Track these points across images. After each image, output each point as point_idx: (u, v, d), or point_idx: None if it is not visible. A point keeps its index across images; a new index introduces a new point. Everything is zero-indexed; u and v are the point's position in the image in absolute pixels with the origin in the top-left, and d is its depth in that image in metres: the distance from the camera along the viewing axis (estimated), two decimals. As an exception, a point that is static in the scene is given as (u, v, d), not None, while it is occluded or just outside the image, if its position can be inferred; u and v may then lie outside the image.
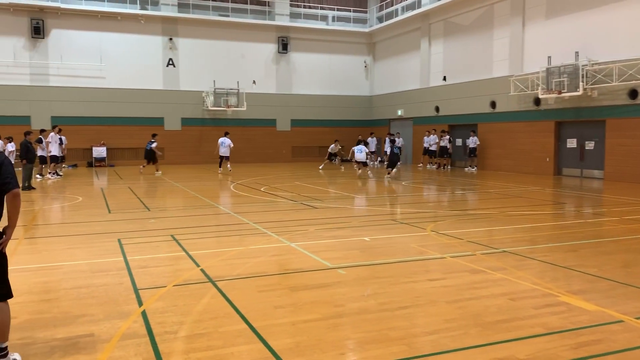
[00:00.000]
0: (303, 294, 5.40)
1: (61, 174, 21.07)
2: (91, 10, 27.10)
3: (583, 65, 18.79)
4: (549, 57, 20.31)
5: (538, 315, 4.72)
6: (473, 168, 24.49)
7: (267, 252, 7.42)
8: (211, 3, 30.03)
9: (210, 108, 29.24)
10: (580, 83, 18.78)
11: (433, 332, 4.36)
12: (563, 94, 19.52)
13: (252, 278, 6.03)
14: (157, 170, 21.84)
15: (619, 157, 18.41)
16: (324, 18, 32.90)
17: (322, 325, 4.53)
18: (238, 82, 29.59)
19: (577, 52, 19.22)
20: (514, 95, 22.19)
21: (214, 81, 29.16)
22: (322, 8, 32.82)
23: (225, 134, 23.49)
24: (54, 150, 19.62)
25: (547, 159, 21.33)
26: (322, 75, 32.54)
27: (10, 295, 3.85)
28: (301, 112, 31.87)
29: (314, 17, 32.67)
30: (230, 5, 30.42)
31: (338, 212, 11.28)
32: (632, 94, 17.87)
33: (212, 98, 29.16)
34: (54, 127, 20.98)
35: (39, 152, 18.94)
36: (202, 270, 6.32)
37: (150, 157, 22.06)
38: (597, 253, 7.38)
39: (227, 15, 30.18)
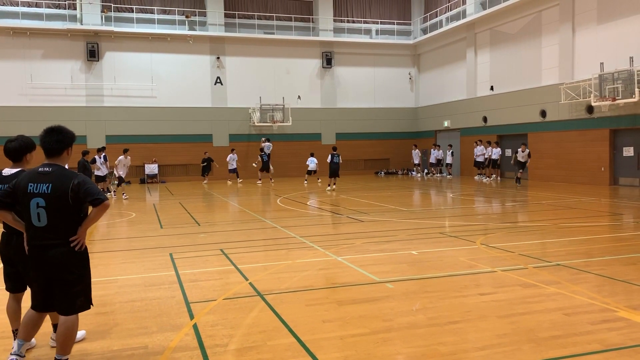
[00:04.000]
0: (351, 308, 5.40)
1: (110, 191, 21.24)
2: (142, 32, 28.22)
3: (638, 71, 18.08)
4: (602, 64, 19.65)
5: (595, 331, 4.54)
6: (496, 178, 24.69)
7: (314, 265, 7.46)
8: (257, 22, 30.70)
9: (256, 124, 29.75)
10: (636, 89, 18.06)
11: (484, 347, 4.26)
12: (617, 101, 18.81)
13: (299, 292, 6.07)
14: (205, 181, 25.41)
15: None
16: (367, 32, 33.03)
17: (371, 339, 4.51)
18: (283, 98, 30.02)
19: (631, 57, 18.52)
20: (564, 103, 21.55)
21: (260, 97, 29.69)
22: (365, 22, 32.98)
23: (232, 150, 25.67)
24: (103, 171, 19.90)
25: (602, 169, 20.53)
26: (367, 89, 32.59)
27: (87, 307, 4.09)
28: (346, 125, 31.96)
29: (357, 31, 32.86)
30: (275, 23, 31.02)
31: (385, 226, 11.21)
32: (693, 98, 17.04)
33: (258, 114, 29.67)
34: (98, 150, 20.87)
35: (96, 172, 19.67)
36: (250, 283, 6.42)
37: (265, 167, 25.18)
38: (659, 266, 7.04)
39: (272, 33, 30.77)
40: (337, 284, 6.49)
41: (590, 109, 20.72)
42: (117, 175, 20.30)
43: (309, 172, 24.94)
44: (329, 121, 31.69)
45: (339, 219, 12.44)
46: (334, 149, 22.08)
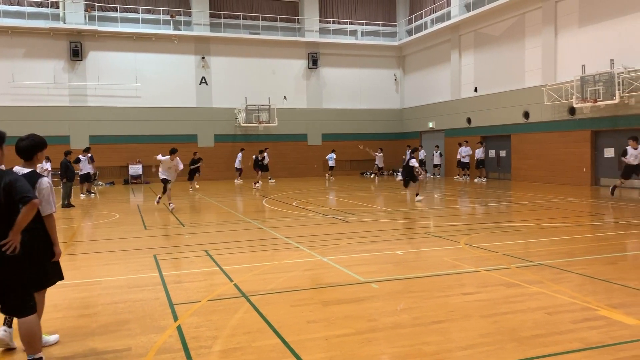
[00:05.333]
0: (336, 309, 5.41)
1: (94, 192, 21.14)
2: (126, 32, 27.98)
3: (619, 73, 18.36)
4: (583, 66, 19.93)
5: (576, 329, 4.61)
6: (483, 179, 24.62)
7: (299, 266, 7.45)
8: (242, 22, 30.62)
9: (242, 124, 29.66)
10: (617, 91, 18.34)
11: (468, 347, 4.30)
12: (599, 103, 19.09)
13: (285, 293, 6.07)
14: (195, 185, 23.61)
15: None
16: (353, 33, 33.12)
17: (356, 340, 4.52)
18: (269, 98, 29.97)
19: (612, 60, 18.80)
20: (547, 105, 21.81)
21: (246, 98, 29.61)
22: (351, 23, 33.06)
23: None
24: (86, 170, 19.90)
25: (584, 169, 20.82)
26: (352, 90, 32.69)
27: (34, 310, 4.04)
28: (332, 126, 32.02)
29: (343, 32, 32.93)
30: (260, 23, 30.97)
31: (370, 226, 11.25)
32: (672, 100, 17.35)
33: (244, 114, 29.58)
34: (84, 150, 20.70)
35: (80, 172, 19.59)
36: (235, 285, 6.40)
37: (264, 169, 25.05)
38: (638, 265, 7.16)
39: (258, 33, 30.72)
40: (322, 284, 6.49)
41: (572, 110, 21.00)
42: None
43: (331, 169, 27.84)
44: (315, 122, 31.71)
45: (325, 220, 12.46)
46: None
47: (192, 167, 22.21)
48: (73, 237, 10.86)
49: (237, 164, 26.68)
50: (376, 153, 28.48)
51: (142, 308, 5.55)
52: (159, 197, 15.86)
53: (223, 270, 7.21)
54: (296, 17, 31.95)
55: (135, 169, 27.99)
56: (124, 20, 28.48)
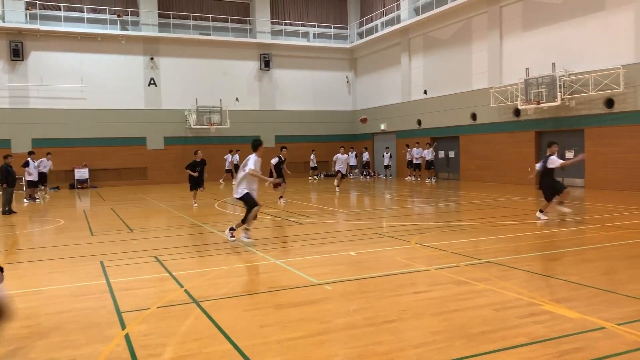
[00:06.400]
0: (289, 312, 5.38)
1: (38, 197, 20.39)
2: (70, 31, 27.05)
3: (560, 76, 19.16)
4: (527, 69, 20.67)
5: (522, 324, 4.75)
6: (433, 179, 25.19)
7: (252, 270, 7.38)
8: (192, 22, 30.15)
9: (193, 126, 29.18)
10: (558, 93, 19.12)
11: (419, 345, 4.36)
12: (542, 105, 19.84)
13: (237, 297, 5.99)
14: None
15: (598, 165, 18.71)
16: (305, 35, 33.20)
17: (309, 342, 4.51)
18: (221, 100, 29.64)
19: (553, 63, 19.59)
20: (493, 106, 22.51)
21: (197, 99, 29.17)
22: (303, 25, 33.13)
23: (230, 152, 23.69)
24: (35, 176, 19.23)
25: (529, 169, 21.57)
26: (305, 91, 32.75)
27: None
28: (285, 128, 31.96)
29: (295, 34, 32.96)
30: (211, 24, 30.58)
31: (324, 228, 11.28)
32: (608, 103, 18.24)
33: (194, 116, 29.12)
34: (29, 153, 20.06)
35: (28, 177, 18.88)
36: (186, 291, 6.27)
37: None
38: (579, 261, 7.47)
39: (209, 34, 30.32)
40: (275, 287, 6.45)
41: (517, 112, 21.75)
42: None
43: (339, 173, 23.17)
44: (267, 124, 31.57)
45: (279, 222, 12.40)
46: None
47: (195, 172, 16.47)
48: (14, 245, 10.38)
49: (227, 166, 27.32)
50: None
51: (88, 317, 5.35)
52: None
53: (173, 276, 7.05)
54: (247, 18, 31.74)
55: (82, 173, 27.07)
56: (68, 19, 27.52)
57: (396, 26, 28.86)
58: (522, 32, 21.77)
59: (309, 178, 29.74)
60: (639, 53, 17.32)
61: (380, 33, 30.51)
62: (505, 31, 22.56)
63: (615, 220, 11.10)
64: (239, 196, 9.40)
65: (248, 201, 9.37)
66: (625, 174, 17.76)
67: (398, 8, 29.52)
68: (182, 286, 6.48)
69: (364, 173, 30.39)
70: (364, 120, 21.87)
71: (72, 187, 26.85)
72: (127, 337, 4.72)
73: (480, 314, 5.11)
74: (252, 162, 9.30)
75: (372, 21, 32.43)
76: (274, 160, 16.62)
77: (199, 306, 5.60)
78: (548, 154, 11.59)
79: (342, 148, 22.89)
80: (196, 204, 16.46)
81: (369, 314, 5.23)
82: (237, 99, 30.69)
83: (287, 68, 32.22)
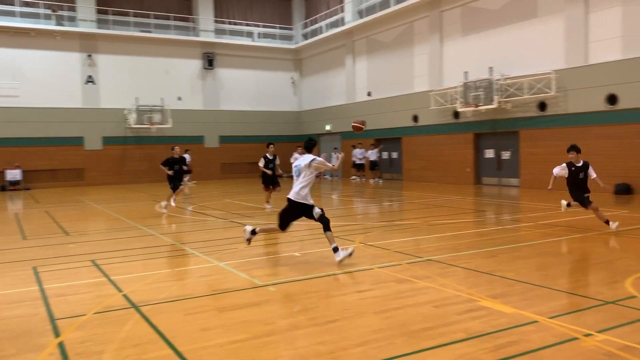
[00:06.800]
0: (232, 314, 5.31)
1: None
2: (1, 26, 25.67)
3: (496, 80, 19.91)
4: (466, 73, 21.35)
5: (460, 320, 4.90)
6: (378, 180, 25.35)
7: (194, 273, 7.25)
8: (132, 19, 29.30)
9: (133, 126, 28.35)
10: (495, 96, 19.86)
11: (361, 344, 4.41)
12: (480, 107, 20.55)
13: (178, 301, 5.86)
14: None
15: (532, 165, 19.57)
16: (249, 34, 32.94)
17: (252, 344, 4.47)
18: (162, 99, 28.94)
19: (491, 67, 20.33)
20: (434, 109, 23.12)
21: (137, 98, 28.36)
22: (247, 24, 32.86)
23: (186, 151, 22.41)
24: None
25: (468, 169, 22.32)
26: (250, 91, 32.50)
27: None
28: (230, 128, 31.58)
29: (239, 33, 32.65)
30: (152, 21, 29.83)
31: (268, 229, 11.21)
32: (541, 106, 19.12)
33: (134, 115, 28.30)
34: None
35: None
36: (125, 295, 6.07)
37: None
38: (515, 258, 7.78)
39: (149, 31, 29.56)
40: (218, 290, 6.36)
41: (456, 114, 22.43)
42: None
43: None
44: (211, 123, 31.10)
45: (223, 224, 12.24)
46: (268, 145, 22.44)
47: (173, 170, 14.48)
48: (-63, 251, 9.73)
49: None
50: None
51: (18, 326, 5.09)
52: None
53: (111, 280, 6.82)
54: (190, 16, 31.16)
55: (14, 174, 25.73)
56: (-2, 12, 26.13)
57: (340, 28, 29.14)
58: (461, 36, 22.48)
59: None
60: (569, 59, 18.25)
61: (324, 35, 30.72)
62: (446, 35, 23.22)
63: (548, 219, 11.64)
64: (309, 203, 7.78)
65: (313, 208, 7.76)
66: (556, 174, 18.64)
67: (342, 10, 29.81)
68: (120, 291, 6.27)
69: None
70: (358, 129, 11.70)
71: (3, 189, 25.49)
72: (61, 345, 4.52)
73: (420, 311, 5.23)
74: (322, 160, 7.96)
75: (316, 22, 32.59)
76: (262, 162, 14.57)
77: (139, 311, 5.44)
78: (577, 161, 9.73)
79: (299, 148, 22.81)
80: (166, 208, 14.27)
81: (312, 314, 5.25)
82: (179, 98, 30.07)
83: (232, 67, 31.87)
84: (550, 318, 4.87)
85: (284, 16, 34.33)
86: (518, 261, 7.51)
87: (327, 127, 31.00)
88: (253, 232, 8.01)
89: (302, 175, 7.79)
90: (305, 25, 33.74)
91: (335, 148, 29.62)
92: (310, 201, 7.74)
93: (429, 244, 9.03)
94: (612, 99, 17.00)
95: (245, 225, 8.44)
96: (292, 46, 33.57)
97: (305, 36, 33.51)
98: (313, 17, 32.90)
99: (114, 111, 28.37)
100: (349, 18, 28.76)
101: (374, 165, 25.88)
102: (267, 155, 14.50)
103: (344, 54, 29.64)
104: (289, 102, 34.04)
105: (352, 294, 5.99)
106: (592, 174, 9.63)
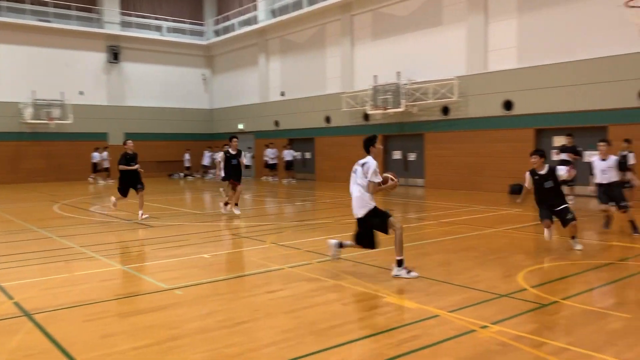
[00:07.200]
0: (135, 320, 5.10)
1: None
2: None
3: (404, 84, 20.68)
4: (375, 76, 21.97)
5: (367, 317, 5.03)
6: (292, 180, 25.53)
7: (95, 277, 6.87)
8: (29, 6, 27.29)
9: (29, 121, 26.40)
10: (402, 100, 20.62)
11: (270, 344, 4.40)
12: (388, 110, 21.24)
13: (77, 307, 5.52)
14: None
15: (436, 166, 20.54)
16: (158, 28, 31.81)
17: (156, 350, 4.31)
18: (62, 93, 27.20)
19: (398, 72, 21.07)
20: (345, 110, 23.58)
21: (34, 91, 26.45)
22: (156, 18, 31.71)
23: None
24: None
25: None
26: (159, 87, 31.38)
27: None
28: (137, 125, 30.27)
29: (147, 27, 31.42)
30: (51, 10, 27.95)
31: (177, 230, 10.89)
32: (445, 110, 20.11)
33: (31, 110, 26.36)
34: None
35: None
36: (16, 303, 5.63)
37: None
38: (419, 254, 8.11)
39: (48, 21, 27.67)
40: (121, 295, 6.07)
41: (366, 116, 23.04)
42: None
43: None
44: (116, 120, 29.66)
45: (127, 225, 11.71)
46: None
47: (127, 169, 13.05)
48: None
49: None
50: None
51: None
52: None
53: (1, 287, 6.30)
54: (93, 7, 29.55)
55: None
56: None
57: (253, 27, 28.92)
58: (371, 40, 23.10)
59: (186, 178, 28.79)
60: (470, 66, 19.33)
61: (237, 32, 30.36)
62: (357, 39, 23.77)
63: (450, 217, 12.26)
64: (365, 212, 6.82)
65: (381, 215, 6.76)
66: (458, 174, 19.71)
67: (255, 9, 29.60)
68: (11, 298, 5.81)
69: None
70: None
71: None
72: (-62, 361, 4.11)
73: (329, 309, 5.31)
74: (373, 169, 6.98)
75: (228, 19, 32.11)
76: (219, 155, 13.36)
77: (31, 319, 5.06)
78: (541, 168, 8.07)
79: (271, 144, 22.82)
80: (145, 215, 12.22)
81: (221, 316, 5.16)
82: (81, 93, 28.40)
83: (139, 62, 30.59)
84: (450, 312, 5.12)
85: (195, 11, 33.50)
86: (422, 258, 7.84)
87: (240, 126, 30.65)
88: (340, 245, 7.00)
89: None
90: (217, 22, 33.13)
91: (250, 148, 29.37)
92: (368, 208, 6.84)
93: (339, 243, 9.16)
94: (508, 105, 18.22)
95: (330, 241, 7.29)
96: (204, 42, 32.85)
97: (217, 33, 32.91)
98: (225, 14, 32.39)
99: (7, 105, 26.24)
100: (262, 17, 28.63)
101: (289, 165, 25.94)
102: (230, 150, 12.81)
103: (257, 53, 29.45)
104: (200, 99, 33.26)
105: (262, 295, 5.96)
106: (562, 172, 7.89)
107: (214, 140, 32.09)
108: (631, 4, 8.78)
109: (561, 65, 16.78)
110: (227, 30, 32.00)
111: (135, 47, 30.28)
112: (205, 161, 29.99)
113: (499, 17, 18.49)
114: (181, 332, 4.75)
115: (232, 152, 12.79)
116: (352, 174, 7.24)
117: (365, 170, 6.96)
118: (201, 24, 33.49)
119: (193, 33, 33.13)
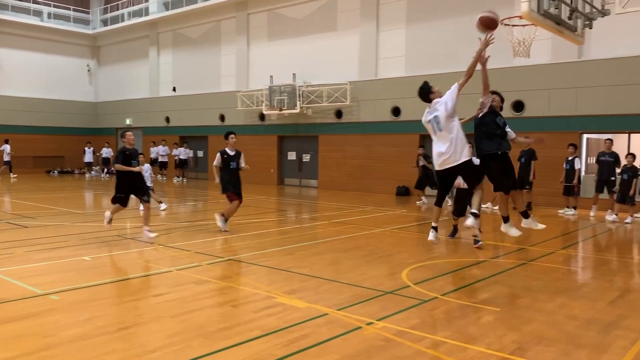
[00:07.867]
0: (3, 329, 4.65)
1: None
2: None
3: (299, 86, 20.91)
4: (271, 77, 21.99)
5: (257, 318, 5.00)
6: (183, 179, 24.88)
7: (-45, 283, 6.18)
8: None
9: None
10: (298, 102, 20.84)
11: (156, 349, 4.23)
12: (284, 111, 21.36)
13: None
14: None
15: (329, 168, 21.01)
16: (38, 13, 29.39)
17: (26, 361, 3.96)
18: None
19: (294, 74, 21.27)
20: (241, 109, 23.36)
21: None
22: (35, 2, 29.26)
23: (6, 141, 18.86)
24: None
25: (272, 170, 23.03)
26: (38, 77, 29.01)
27: None
28: (11, 117, 27.73)
29: (25, 11, 28.90)
30: None
31: (55, 231, 10.13)
32: (338, 113, 20.63)
33: None
34: None
35: None
36: None
37: None
38: (310, 254, 8.23)
39: None
40: (-14, 302, 5.51)
41: (262, 116, 22.99)
42: None
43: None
44: (-14, 110, 26.99)
45: (-4, 225, 10.68)
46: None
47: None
48: None
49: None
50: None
51: None
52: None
53: None
54: (-39, -16, 26.67)
55: None
56: None
57: (143, 18, 27.70)
58: (267, 40, 23.09)
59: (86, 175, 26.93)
60: (362, 72, 20.00)
61: (126, 23, 28.90)
62: (252, 38, 23.63)
63: (341, 217, 12.59)
64: (466, 159, 6.63)
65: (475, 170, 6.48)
66: (350, 176, 20.31)
67: (146, 0, 28.36)
68: None
69: (105, 170, 28.20)
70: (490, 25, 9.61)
71: None
72: None
73: (218, 311, 5.22)
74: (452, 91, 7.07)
75: (117, 9, 30.46)
76: (217, 161, 10.53)
77: None
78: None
79: (163, 141, 21.45)
80: (154, 234, 9.57)
81: (102, 322, 4.87)
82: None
83: (14, 48, 28.08)
84: (338, 310, 5.25)
85: (81, -2, 31.43)
86: (313, 257, 7.97)
87: (128, 121, 29.17)
88: (475, 215, 6.49)
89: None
90: (105, 11, 31.30)
91: (153, 141, 27.79)
92: (467, 156, 6.70)
93: (232, 244, 9.07)
94: (396, 111, 19.09)
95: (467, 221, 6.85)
96: (89, 31, 30.88)
97: (105, 22, 31.08)
98: (114, 3, 30.69)
99: None
100: (154, 9, 27.51)
101: (182, 163, 25.09)
102: (227, 150, 10.51)
103: (147, 46, 28.23)
104: (85, 91, 31.23)
105: (148, 299, 5.72)
106: (512, 134, 7.61)
107: (99, 135, 30.27)
108: (506, 21, 9.56)
109: (445, 76, 17.88)
110: (115, 20, 30.32)
111: (10, 32, 27.77)
112: (87, 158, 27.81)
113: (389, 27, 19.32)
114: (55, 340, 4.41)
115: (230, 152, 10.46)
116: (432, 126, 7.40)
117: (449, 96, 7.31)
118: (87, 12, 31.45)
119: (78, 21, 31.00)
